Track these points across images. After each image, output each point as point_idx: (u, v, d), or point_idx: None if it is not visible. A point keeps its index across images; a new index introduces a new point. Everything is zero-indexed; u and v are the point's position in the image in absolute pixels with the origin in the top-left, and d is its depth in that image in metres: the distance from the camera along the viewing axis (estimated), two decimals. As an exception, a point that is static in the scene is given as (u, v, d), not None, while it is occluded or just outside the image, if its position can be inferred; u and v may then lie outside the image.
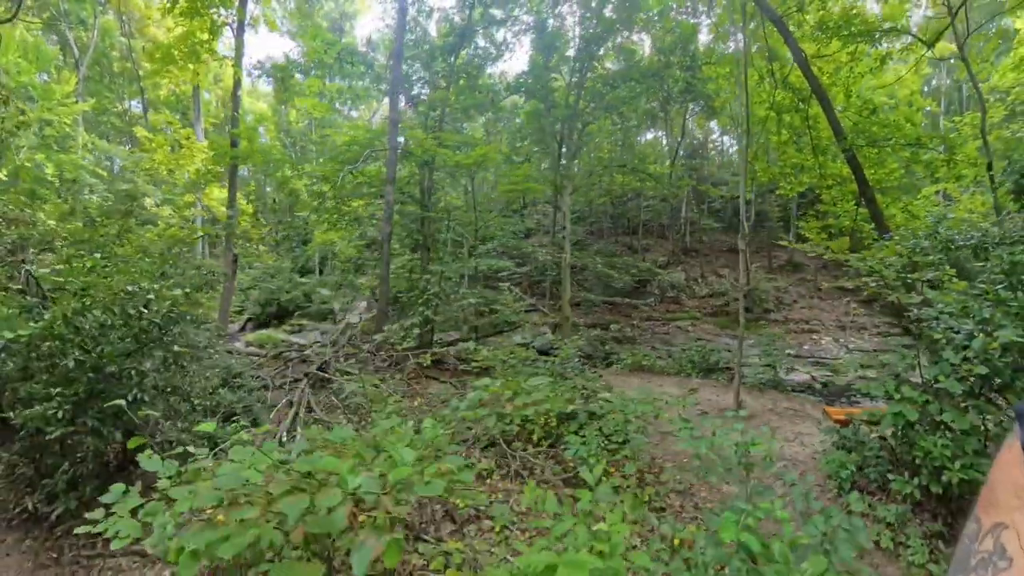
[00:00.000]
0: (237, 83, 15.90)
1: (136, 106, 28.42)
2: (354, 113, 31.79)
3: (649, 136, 30.96)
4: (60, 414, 3.93)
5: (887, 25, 8.94)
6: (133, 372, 4.47)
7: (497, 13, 14.50)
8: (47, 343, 4.20)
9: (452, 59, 13.40)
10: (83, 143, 22.36)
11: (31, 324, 4.20)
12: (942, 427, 3.22)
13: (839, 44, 9.44)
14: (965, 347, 3.13)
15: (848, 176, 11.02)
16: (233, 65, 15.71)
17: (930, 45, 8.37)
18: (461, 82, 13.69)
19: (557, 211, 22.30)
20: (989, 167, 7.07)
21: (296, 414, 6.79)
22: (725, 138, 31.48)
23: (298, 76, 17.72)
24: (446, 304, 9.96)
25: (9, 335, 4.00)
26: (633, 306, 18.96)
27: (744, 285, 6.90)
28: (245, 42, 15.23)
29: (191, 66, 17.68)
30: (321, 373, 8.61)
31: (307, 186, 13.61)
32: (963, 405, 3.18)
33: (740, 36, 12.72)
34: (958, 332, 3.24)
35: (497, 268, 12.41)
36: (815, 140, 10.99)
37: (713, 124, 29.75)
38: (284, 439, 5.96)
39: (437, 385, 8.51)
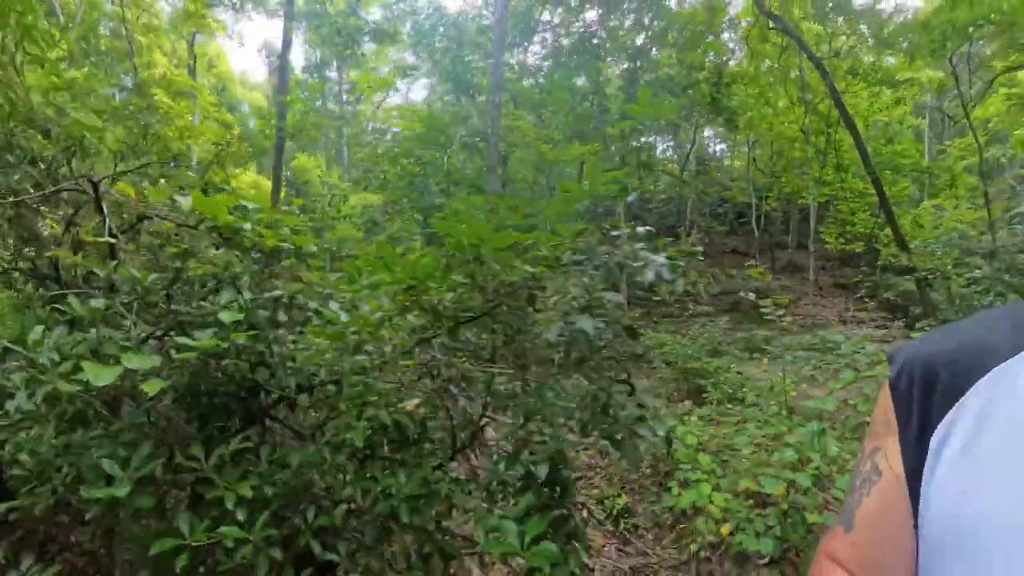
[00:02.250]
0: (287, 44, 15.98)
1: (119, 96, 29.03)
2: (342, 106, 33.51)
3: (643, 140, 34.66)
4: None
5: (907, 76, 12.55)
6: None
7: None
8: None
9: (523, 53, 16.02)
10: (73, 120, 22.86)
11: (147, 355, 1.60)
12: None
13: (865, 85, 12.95)
14: (990, 306, 6.30)
15: (864, 190, 14.60)
16: (286, 18, 15.60)
17: (937, 97, 11.95)
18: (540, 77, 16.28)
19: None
20: (986, 195, 10.60)
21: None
22: (721, 146, 35.66)
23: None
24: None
25: (104, 376, 1.47)
26: (654, 303, 22.24)
27: (814, 283, 10.14)
28: (243, 32, 15.96)
29: (227, 16, 17.61)
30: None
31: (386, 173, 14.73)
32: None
33: (764, 57, 16.12)
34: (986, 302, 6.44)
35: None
36: (838, 159, 14.51)
37: (709, 132, 33.76)
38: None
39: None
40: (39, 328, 1.70)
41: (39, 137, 3.74)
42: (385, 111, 30.28)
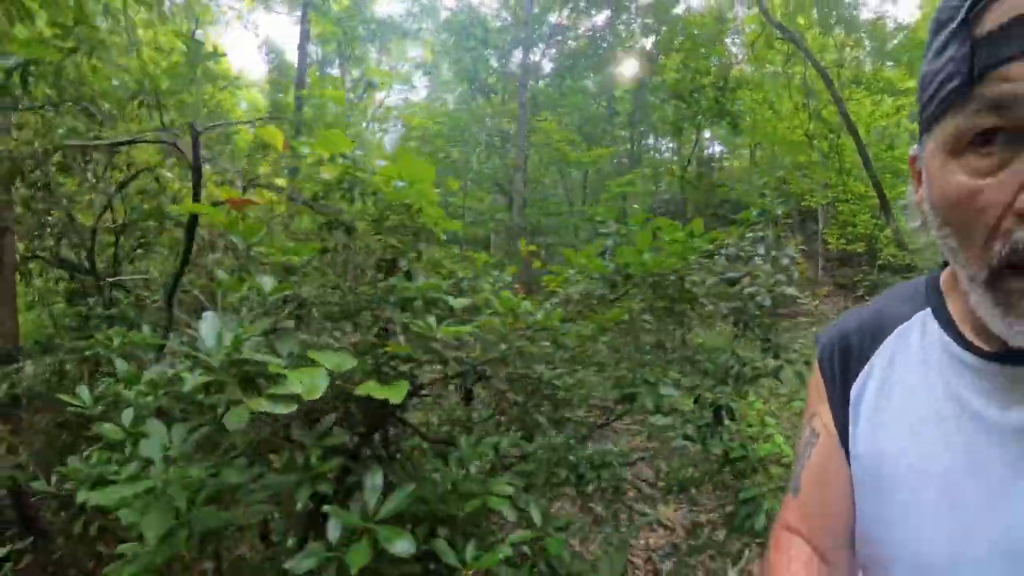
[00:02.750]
0: (305, 34, 15.90)
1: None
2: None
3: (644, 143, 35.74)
4: None
5: (907, 85, 13.55)
6: None
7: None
8: None
9: (540, 55, 16.71)
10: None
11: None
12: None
13: (867, 93, 13.90)
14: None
15: (865, 192, 15.58)
16: (304, 7, 15.81)
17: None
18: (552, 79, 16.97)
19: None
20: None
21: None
22: (720, 147, 36.83)
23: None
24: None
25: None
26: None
27: (818, 279, 11.05)
28: (257, 22, 15.77)
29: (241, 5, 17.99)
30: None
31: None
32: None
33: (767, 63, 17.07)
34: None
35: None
36: (841, 163, 15.48)
37: (706, 133, 34.88)
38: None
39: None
40: (209, 315, 1.16)
41: (96, 70, 2.80)
42: (386, 109, 30.90)
